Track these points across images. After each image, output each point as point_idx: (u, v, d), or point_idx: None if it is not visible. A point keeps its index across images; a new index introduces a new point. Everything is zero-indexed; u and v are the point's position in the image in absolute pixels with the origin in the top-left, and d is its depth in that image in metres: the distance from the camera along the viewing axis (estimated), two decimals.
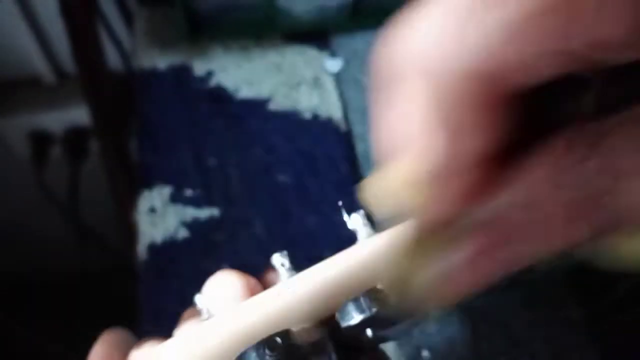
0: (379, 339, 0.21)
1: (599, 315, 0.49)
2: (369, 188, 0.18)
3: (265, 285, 0.24)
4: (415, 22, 0.16)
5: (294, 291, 0.21)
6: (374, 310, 0.20)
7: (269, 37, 0.64)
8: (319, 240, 0.52)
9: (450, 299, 0.18)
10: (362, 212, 0.22)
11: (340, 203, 0.23)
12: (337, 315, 0.21)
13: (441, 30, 0.15)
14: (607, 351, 0.48)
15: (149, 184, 0.55)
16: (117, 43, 0.75)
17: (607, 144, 0.15)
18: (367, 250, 0.22)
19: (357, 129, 0.58)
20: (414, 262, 0.18)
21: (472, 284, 0.17)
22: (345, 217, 0.22)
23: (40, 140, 0.88)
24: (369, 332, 0.20)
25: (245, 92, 0.61)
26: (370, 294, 0.20)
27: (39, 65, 0.84)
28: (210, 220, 0.54)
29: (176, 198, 0.55)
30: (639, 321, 0.48)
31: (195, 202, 0.54)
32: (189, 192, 0.55)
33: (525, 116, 0.16)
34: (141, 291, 0.51)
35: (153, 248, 0.52)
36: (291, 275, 0.22)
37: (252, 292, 0.23)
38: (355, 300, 0.20)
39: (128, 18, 0.74)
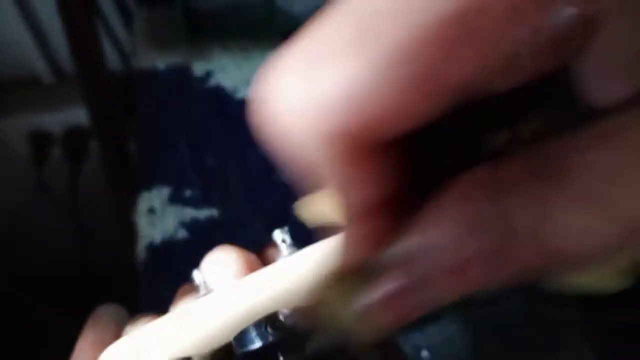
0: None
1: (599, 315, 0.49)
2: (301, 210, 0.19)
3: (265, 262, 0.24)
4: (273, 80, 0.14)
5: (295, 268, 0.21)
6: (273, 338, 0.19)
7: (269, 37, 0.64)
8: (319, 241, 0.52)
9: (373, 334, 0.17)
10: (286, 228, 0.22)
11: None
12: (234, 341, 0.19)
13: (291, 93, 0.14)
14: (607, 351, 0.48)
15: (148, 184, 0.55)
16: (117, 43, 0.75)
17: (520, 184, 0.14)
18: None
19: None
20: (334, 296, 0.17)
21: (391, 321, 0.16)
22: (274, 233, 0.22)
23: (40, 140, 0.88)
24: (280, 358, 0.19)
25: (245, 92, 0.61)
26: (269, 319, 0.19)
27: (39, 65, 0.84)
28: (210, 221, 0.53)
29: (175, 198, 0.55)
30: (638, 321, 0.48)
31: (195, 203, 0.54)
32: (188, 193, 0.55)
33: (427, 155, 0.15)
34: (141, 291, 0.51)
35: (152, 248, 0.52)
36: (292, 252, 0.21)
37: (252, 269, 0.22)
38: (257, 326, 0.19)
39: (128, 18, 0.74)
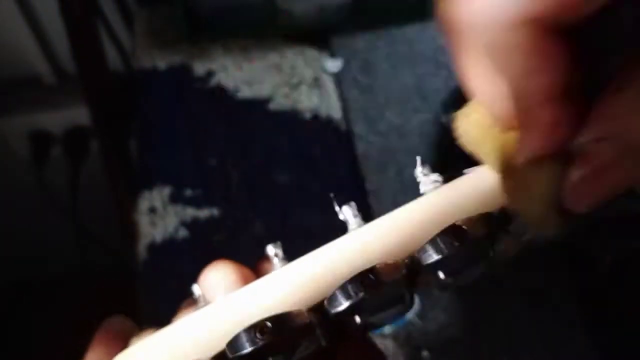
0: (367, 326, 0.21)
1: (599, 313, 0.49)
2: (459, 122, 0.22)
3: (259, 275, 0.25)
4: None
5: (286, 279, 0.22)
6: (361, 295, 0.20)
7: (269, 37, 0.64)
8: (318, 240, 0.52)
9: (573, 212, 0.19)
10: (353, 203, 0.23)
11: (332, 195, 0.23)
12: (326, 302, 0.21)
13: None
14: (607, 351, 0.48)
15: (149, 184, 0.55)
16: (117, 43, 0.75)
17: None
18: (358, 239, 0.22)
19: (357, 129, 0.58)
20: (533, 184, 0.20)
21: (598, 196, 0.19)
22: (337, 208, 0.23)
23: (40, 140, 0.88)
24: (357, 318, 0.21)
25: (245, 92, 0.61)
26: (357, 279, 0.21)
27: (39, 65, 0.84)
28: (210, 220, 0.54)
29: (176, 198, 0.55)
30: (638, 321, 0.48)
31: (195, 202, 0.54)
32: (188, 192, 0.55)
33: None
34: (141, 291, 0.51)
35: (153, 248, 0.52)
36: (284, 265, 0.23)
37: (246, 281, 0.23)
38: (343, 287, 0.21)
39: (128, 18, 0.74)
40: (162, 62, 0.63)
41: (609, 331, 0.49)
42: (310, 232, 0.52)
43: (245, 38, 0.64)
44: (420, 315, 0.49)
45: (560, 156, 0.19)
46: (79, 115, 0.84)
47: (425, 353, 0.48)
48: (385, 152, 0.57)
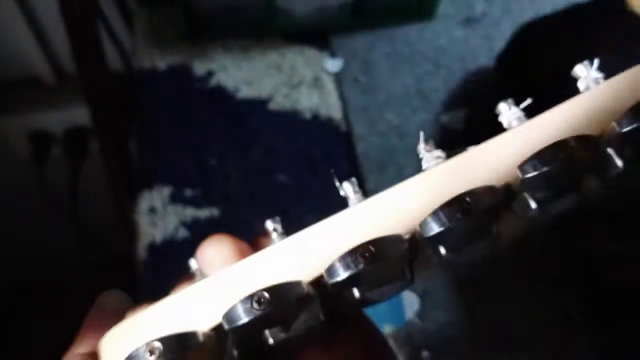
0: (365, 300, 0.21)
1: (599, 313, 0.49)
2: None
3: (257, 250, 0.25)
4: None
5: (284, 251, 0.22)
6: (360, 267, 0.20)
7: (269, 37, 0.64)
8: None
9: None
10: (354, 180, 0.23)
11: (332, 171, 0.23)
12: (324, 274, 0.21)
13: None
14: (607, 351, 0.48)
15: (149, 184, 0.55)
16: (117, 43, 0.75)
17: None
18: (358, 213, 0.22)
19: (357, 129, 0.58)
20: None
21: None
22: (338, 184, 0.23)
23: (40, 140, 0.88)
24: (355, 292, 0.21)
25: (245, 92, 0.61)
26: (356, 251, 0.20)
27: (39, 65, 0.84)
28: (210, 220, 0.54)
29: (176, 198, 0.55)
30: (638, 321, 0.48)
31: (195, 202, 0.54)
32: (188, 192, 0.55)
33: None
34: (141, 291, 0.51)
35: (153, 248, 0.52)
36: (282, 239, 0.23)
37: (244, 255, 0.23)
38: (343, 258, 0.20)
39: (128, 18, 0.74)
40: (162, 62, 0.63)
41: (609, 331, 0.49)
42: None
43: (245, 38, 0.64)
44: (420, 315, 0.49)
45: None
46: (79, 115, 0.84)
47: (425, 353, 0.48)
48: (385, 152, 0.57)
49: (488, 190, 0.20)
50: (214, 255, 0.24)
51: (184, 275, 0.26)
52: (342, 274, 0.20)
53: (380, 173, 0.55)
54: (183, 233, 0.53)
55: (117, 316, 0.24)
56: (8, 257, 1.01)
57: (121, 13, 0.74)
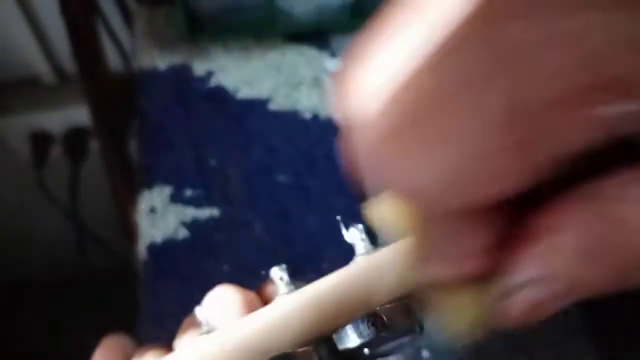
0: (375, 356, 0.21)
1: (600, 314, 0.49)
2: (372, 211, 0.19)
3: (263, 298, 0.25)
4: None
5: (292, 307, 0.21)
6: (372, 335, 0.20)
7: (269, 37, 0.64)
8: (318, 240, 0.52)
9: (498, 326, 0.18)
10: (360, 226, 0.22)
11: (338, 218, 0.23)
12: (335, 337, 0.21)
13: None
14: (607, 355, 0.48)
15: (149, 184, 0.55)
16: (117, 43, 0.75)
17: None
18: (366, 266, 0.22)
19: None
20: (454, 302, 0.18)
21: (524, 317, 0.18)
22: (344, 231, 0.23)
23: (40, 140, 0.88)
24: (366, 350, 0.21)
25: (245, 92, 0.61)
26: (369, 318, 0.20)
27: (39, 65, 0.84)
28: (210, 221, 0.54)
29: (176, 198, 0.55)
30: (638, 322, 0.48)
31: (195, 202, 0.54)
32: (189, 192, 0.55)
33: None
34: (141, 291, 0.51)
35: (153, 248, 0.52)
36: (290, 289, 0.22)
37: (251, 307, 0.23)
38: (355, 324, 0.20)
39: (128, 18, 0.74)
40: (162, 62, 0.63)
41: (609, 332, 0.49)
42: (311, 232, 0.52)
43: (245, 38, 0.64)
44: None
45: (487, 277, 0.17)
46: (79, 115, 0.84)
47: (425, 353, 0.48)
48: None
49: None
50: (222, 306, 0.24)
51: (187, 319, 0.25)
52: (354, 341, 0.21)
53: None
54: (183, 233, 0.53)
55: None
56: (8, 257, 1.01)
57: (121, 13, 0.74)
